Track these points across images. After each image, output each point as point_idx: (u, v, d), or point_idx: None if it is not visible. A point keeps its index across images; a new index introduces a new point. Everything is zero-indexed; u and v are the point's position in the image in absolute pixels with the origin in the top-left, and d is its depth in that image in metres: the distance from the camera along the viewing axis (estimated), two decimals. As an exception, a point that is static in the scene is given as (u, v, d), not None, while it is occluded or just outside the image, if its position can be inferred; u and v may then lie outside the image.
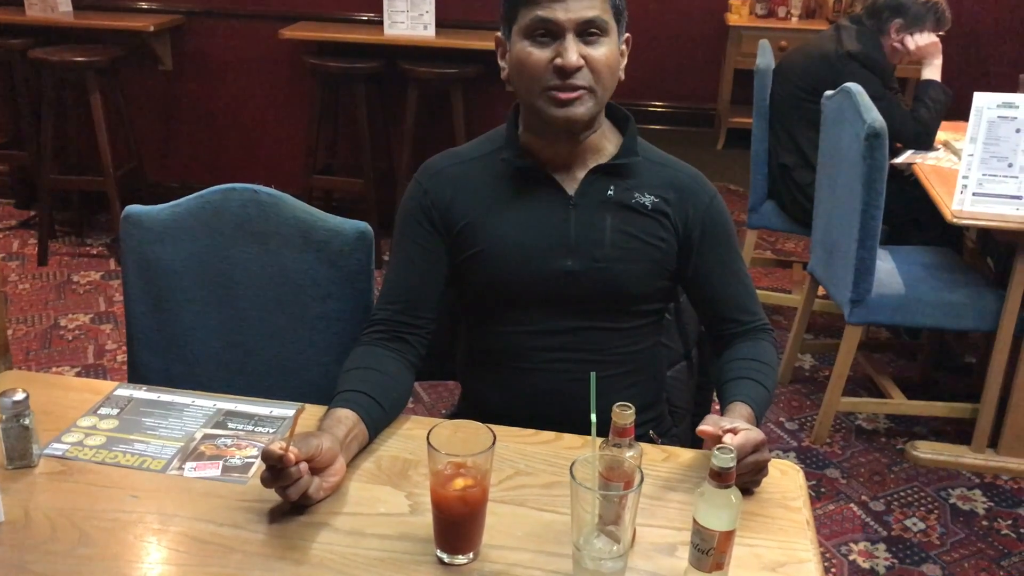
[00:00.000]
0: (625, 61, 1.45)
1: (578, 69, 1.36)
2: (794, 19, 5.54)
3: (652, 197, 1.47)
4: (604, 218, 1.45)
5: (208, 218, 1.66)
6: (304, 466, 1.16)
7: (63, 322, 3.51)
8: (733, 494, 1.06)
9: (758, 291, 1.63)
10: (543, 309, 1.48)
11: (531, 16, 1.36)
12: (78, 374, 3.15)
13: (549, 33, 1.37)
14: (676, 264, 1.50)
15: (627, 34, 1.45)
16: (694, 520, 1.07)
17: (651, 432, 1.60)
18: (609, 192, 1.46)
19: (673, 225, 1.48)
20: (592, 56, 1.37)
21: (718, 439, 1.21)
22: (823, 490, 2.63)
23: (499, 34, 1.46)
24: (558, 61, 1.36)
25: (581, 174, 1.47)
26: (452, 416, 1.64)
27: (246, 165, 4.46)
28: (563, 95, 1.37)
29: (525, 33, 1.38)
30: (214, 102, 4.40)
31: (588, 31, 1.36)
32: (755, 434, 1.22)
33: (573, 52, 1.35)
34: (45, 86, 3.87)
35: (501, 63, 1.46)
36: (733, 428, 1.22)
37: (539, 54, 1.37)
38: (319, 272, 1.64)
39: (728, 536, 1.06)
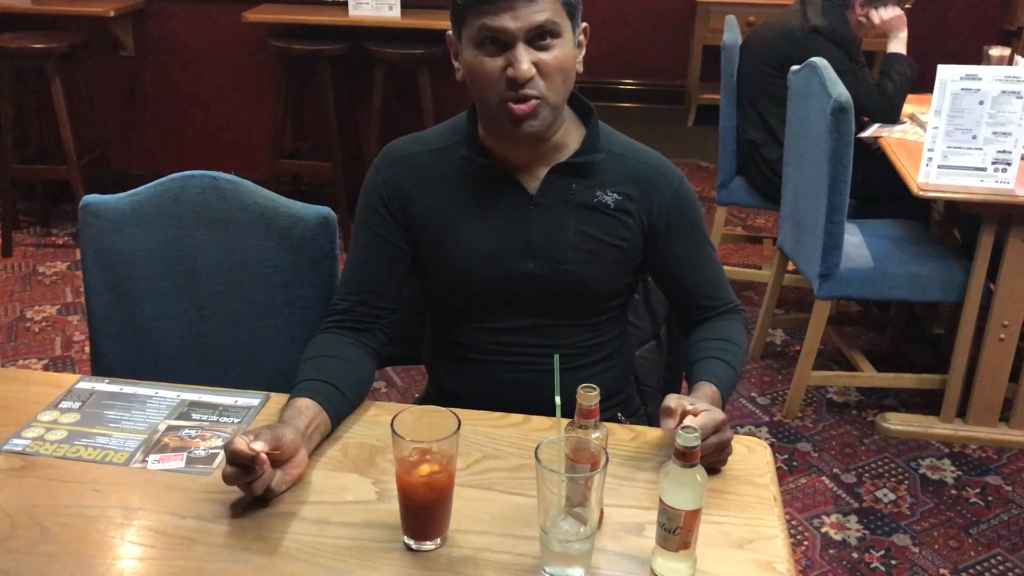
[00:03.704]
0: (583, 52, 1.41)
1: (530, 79, 1.31)
2: (761, -6, 5.52)
3: (615, 195, 1.44)
4: (566, 219, 1.43)
5: (168, 206, 1.63)
6: (266, 460, 1.15)
7: (29, 314, 3.47)
8: (698, 473, 1.06)
9: (729, 268, 1.63)
10: (505, 308, 1.47)
11: (478, 24, 1.31)
12: (45, 366, 3.12)
13: (498, 42, 1.31)
14: (641, 257, 1.49)
15: (584, 24, 1.40)
16: (660, 500, 1.07)
17: (619, 414, 1.60)
18: (571, 192, 1.43)
19: (637, 221, 1.45)
20: (545, 62, 1.32)
21: (675, 418, 1.21)
22: (795, 464, 2.65)
23: (450, 33, 1.40)
24: (510, 72, 1.31)
25: (542, 172, 1.43)
26: (421, 402, 1.63)
27: (212, 151, 4.41)
28: (518, 109, 1.33)
29: (474, 42, 1.33)
30: (178, 88, 4.34)
31: (539, 36, 1.31)
32: (715, 415, 1.22)
33: (524, 62, 1.30)
34: (4, 74, 3.79)
35: (455, 63, 1.41)
36: (693, 409, 1.22)
37: (490, 64, 1.32)
38: (282, 259, 1.62)
39: (694, 515, 1.06)
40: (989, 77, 2.39)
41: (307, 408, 1.27)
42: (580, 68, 1.40)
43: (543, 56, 1.32)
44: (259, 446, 1.13)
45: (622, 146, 1.49)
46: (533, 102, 1.33)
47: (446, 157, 1.46)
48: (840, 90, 2.50)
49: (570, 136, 1.45)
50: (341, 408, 1.34)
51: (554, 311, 1.47)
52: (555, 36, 1.32)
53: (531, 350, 1.47)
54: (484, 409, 1.40)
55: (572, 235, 1.43)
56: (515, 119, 1.34)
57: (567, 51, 1.34)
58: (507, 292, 1.45)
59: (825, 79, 2.56)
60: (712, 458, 1.23)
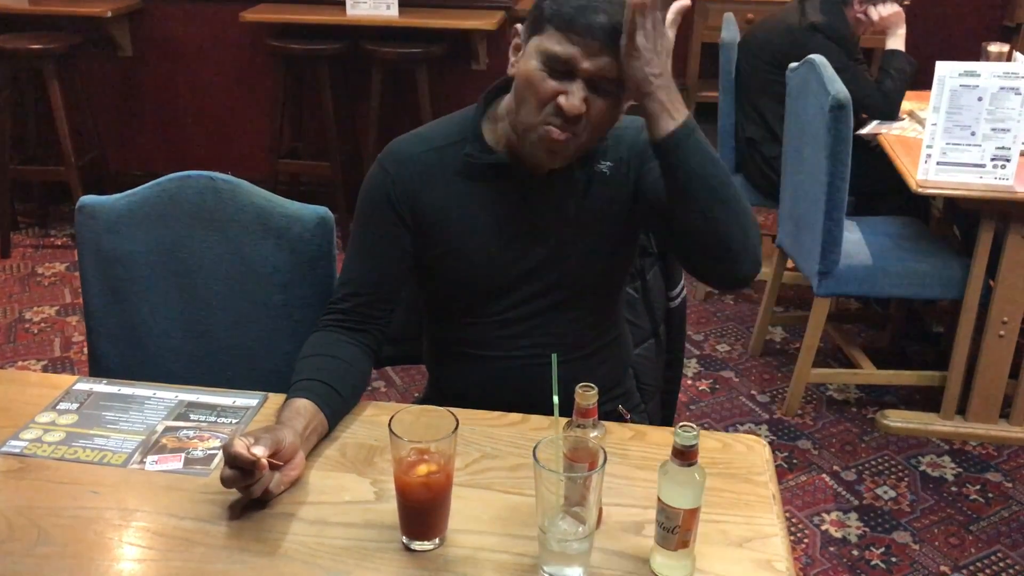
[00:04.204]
0: (627, 106, 1.39)
1: (578, 116, 1.29)
2: (760, -9, 5.50)
3: (608, 163, 1.44)
4: (569, 198, 1.43)
5: (164, 207, 1.63)
6: (265, 464, 1.14)
7: (28, 315, 3.46)
8: (697, 472, 1.05)
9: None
10: (510, 299, 1.46)
11: (554, 46, 1.28)
12: (44, 367, 3.11)
13: (562, 69, 1.29)
14: (634, 206, 1.45)
15: None
16: (658, 498, 1.06)
17: (620, 407, 1.60)
18: (572, 171, 1.42)
19: (627, 175, 1.44)
20: (594, 107, 1.30)
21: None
22: (795, 462, 2.65)
23: (519, 26, 1.37)
24: (561, 100, 1.29)
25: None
26: (421, 402, 1.63)
27: (210, 151, 4.40)
28: (555, 134, 1.31)
29: (541, 57, 1.30)
30: (176, 88, 4.34)
31: (601, 84, 1.30)
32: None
33: (577, 97, 1.28)
34: (1, 75, 3.79)
35: (512, 57, 1.38)
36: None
37: (548, 84, 1.29)
38: (279, 259, 1.62)
39: (693, 513, 1.06)
40: (988, 73, 2.38)
41: (305, 409, 1.27)
42: (622, 120, 1.40)
43: (596, 102, 1.30)
44: (259, 451, 1.12)
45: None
46: (568, 136, 1.32)
47: (451, 154, 1.44)
48: (838, 87, 2.50)
49: None
50: (338, 409, 1.34)
51: (556, 296, 1.46)
52: (613, 92, 1.31)
53: (533, 342, 1.47)
54: (487, 406, 1.39)
55: (574, 212, 1.43)
56: (548, 143, 1.32)
57: (616, 109, 1.34)
58: (515, 282, 1.45)
59: (823, 76, 2.56)
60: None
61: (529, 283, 1.45)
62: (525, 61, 1.33)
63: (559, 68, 1.29)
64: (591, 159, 1.44)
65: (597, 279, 1.49)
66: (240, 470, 1.13)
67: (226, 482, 1.14)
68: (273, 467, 1.16)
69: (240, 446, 1.11)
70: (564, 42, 1.27)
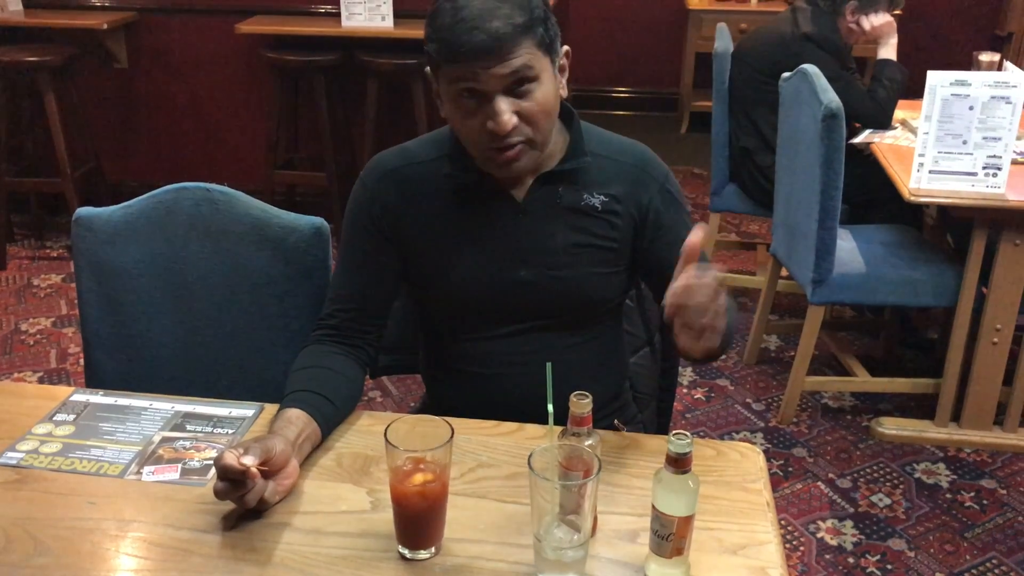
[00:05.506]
0: (566, 74, 1.38)
1: (513, 128, 1.29)
2: (753, 1, 5.55)
3: (601, 196, 1.42)
4: (555, 224, 1.42)
5: (160, 218, 1.64)
6: (257, 473, 1.15)
7: (24, 327, 3.46)
8: (691, 479, 1.06)
9: (723, 275, 1.55)
10: (499, 318, 1.46)
11: (455, 80, 1.28)
12: (40, 379, 3.11)
13: (475, 96, 1.28)
14: (631, 254, 1.46)
15: (565, 48, 1.37)
16: (653, 506, 1.07)
17: (616, 421, 1.60)
18: (558, 197, 1.42)
19: (625, 219, 1.43)
20: (526, 108, 1.29)
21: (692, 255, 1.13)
22: (790, 469, 2.66)
23: (428, 70, 1.37)
24: (490, 125, 1.28)
25: (529, 180, 1.42)
26: (418, 411, 1.63)
27: (207, 162, 4.41)
28: (502, 157, 1.31)
29: (450, 95, 1.30)
30: (172, 99, 4.35)
31: (517, 83, 1.28)
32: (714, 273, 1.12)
33: (504, 114, 1.27)
34: (-3, 87, 3.80)
35: (437, 100, 1.37)
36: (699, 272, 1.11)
37: (470, 122, 1.30)
38: (275, 270, 1.63)
39: (687, 521, 1.07)
40: (979, 83, 2.40)
41: (297, 418, 1.28)
42: (564, 92, 1.38)
43: (524, 103, 1.29)
44: (249, 460, 1.13)
45: (606, 146, 1.46)
46: (518, 147, 1.32)
47: (432, 171, 1.44)
48: (831, 96, 2.51)
49: (555, 143, 1.42)
50: (331, 418, 1.34)
51: (548, 318, 1.46)
52: (533, 80, 1.29)
53: (526, 357, 1.47)
54: (482, 418, 1.39)
55: (561, 240, 1.42)
56: (501, 164, 1.34)
57: (547, 90, 1.31)
58: (501, 302, 1.45)
59: (816, 86, 2.57)
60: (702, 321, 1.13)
61: (520, 302, 1.44)
62: (445, 105, 1.34)
63: (473, 96, 1.29)
64: (579, 187, 1.42)
65: (590, 302, 1.47)
66: (232, 481, 1.13)
67: (219, 494, 1.15)
68: (265, 475, 1.17)
69: (230, 457, 1.12)
70: (458, 74, 1.27)
